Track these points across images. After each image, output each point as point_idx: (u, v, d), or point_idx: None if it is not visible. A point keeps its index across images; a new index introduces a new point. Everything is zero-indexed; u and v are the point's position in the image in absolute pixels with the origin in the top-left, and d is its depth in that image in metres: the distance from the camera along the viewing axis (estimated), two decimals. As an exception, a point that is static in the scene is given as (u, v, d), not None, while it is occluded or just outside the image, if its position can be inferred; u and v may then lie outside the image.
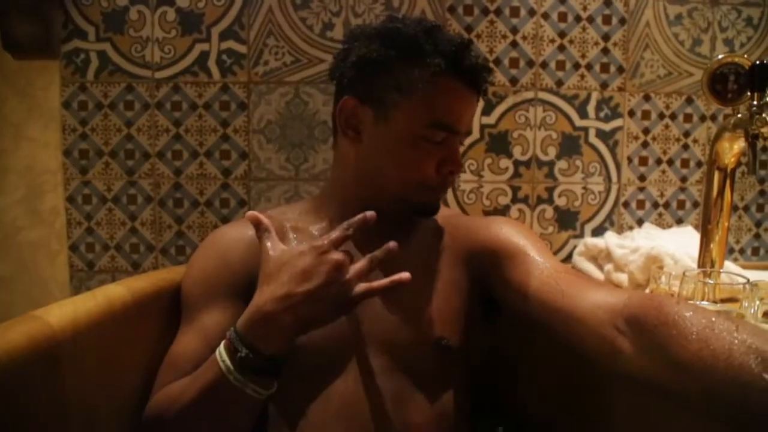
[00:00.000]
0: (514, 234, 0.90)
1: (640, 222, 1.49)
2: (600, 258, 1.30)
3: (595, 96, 1.45)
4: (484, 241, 0.92)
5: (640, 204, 1.49)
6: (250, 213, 0.79)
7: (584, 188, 1.46)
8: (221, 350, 0.73)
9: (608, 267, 1.25)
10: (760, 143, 0.94)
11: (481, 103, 1.40)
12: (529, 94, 1.43)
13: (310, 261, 0.72)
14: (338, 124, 0.91)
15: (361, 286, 0.73)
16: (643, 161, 1.48)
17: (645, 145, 1.47)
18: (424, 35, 0.85)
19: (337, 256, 0.73)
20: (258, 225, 0.79)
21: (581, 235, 1.47)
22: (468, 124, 0.91)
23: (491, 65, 1.41)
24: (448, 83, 0.85)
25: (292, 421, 0.83)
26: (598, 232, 1.46)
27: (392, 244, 0.76)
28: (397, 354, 0.84)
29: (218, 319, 0.85)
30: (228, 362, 0.71)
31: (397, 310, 0.86)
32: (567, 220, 1.47)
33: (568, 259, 1.45)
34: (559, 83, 1.43)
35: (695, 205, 1.50)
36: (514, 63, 1.42)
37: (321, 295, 0.71)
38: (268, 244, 0.77)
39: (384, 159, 0.89)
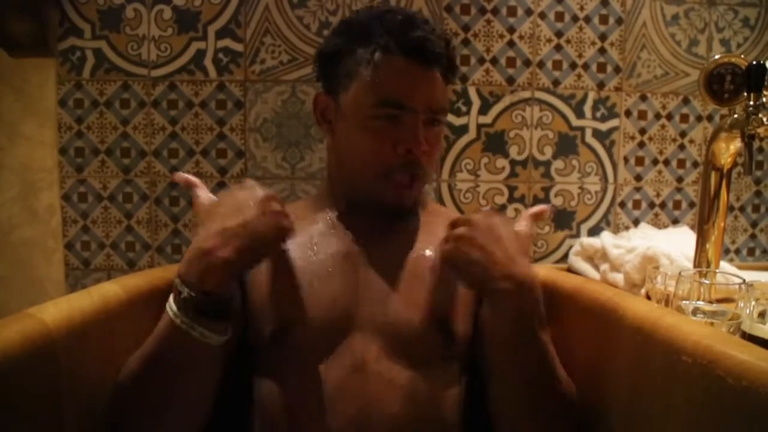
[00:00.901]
0: None
1: (636, 222, 1.49)
2: (596, 258, 1.31)
3: (591, 96, 1.45)
4: None
5: (637, 204, 1.49)
6: (177, 174, 0.84)
7: (580, 188, 1.47)
8: (170, 298, 0.73)
9: (604, 267, 1.25)
10: (756, 144, 0.94)
11: (477, 103, 1.41)
12: (526, 94, 1.43)
13: (242, 196, 0.75)
14: (315, 118, 0.96)
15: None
16: (640, 161, 1.48)
17: (641, 145, 1.48)
18: (375, 20, 0.87)
19: (266, 191, 0.76)
20: (186, 182, 0.83)
21: (577, 235, 1.47)
22: (426, 100, 0.86)
23: (494, 59, 1.41)
24: (392, 60, 0.85)
25: (286, 401, 0.83)
26: (594, 231, 1.47)
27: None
28: (397, 338, 0.84)
29: None
30: (173, 306, 0.71)
31: (398, 294, 0.86)
32: (563, 219, 1.47)
33: (564, 259, 1.45)
34: (556, 83, 1.44)
35: (691, 205, 1.51)
36: (510, 62, 1.42)
37: (255, 225, 0.72)
38: (200, 193, 0.82)
39: (345, 147, 0.90)
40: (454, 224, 0.78)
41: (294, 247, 0.88)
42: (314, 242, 0.91)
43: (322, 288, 0.86)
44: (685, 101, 1.48)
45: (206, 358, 0.75)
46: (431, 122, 0.88)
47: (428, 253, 0.91)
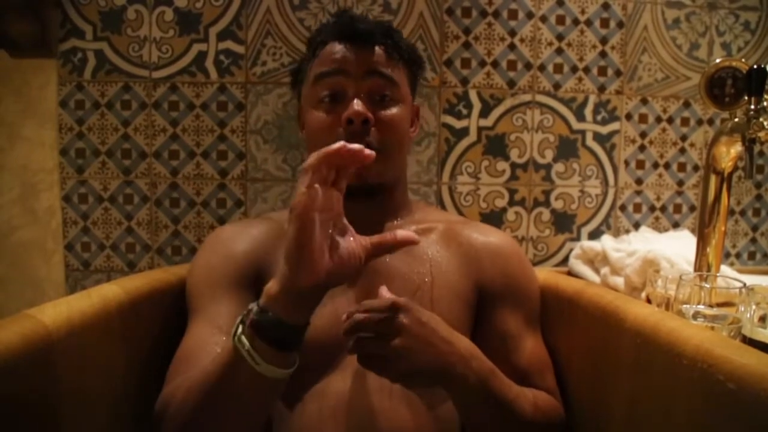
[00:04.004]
0: (517, 278, 0.96)
1: (636, 225, 1.49)
2: (596, 261, 1.30)
3: (592, 99, 1.45)
4: (492, 267, 0.95)
5: (637, 207, 1.49)
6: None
7: (581, 191, 1.46)
8: (237, 330, 0.67)
9: (605, 270, 1.25)
10: (757, 147, 0.94)
11: (478, 106, 1.41)
12: (527, 97, 1.43)
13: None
14: (299, 126, 1.04)
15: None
16: (640, 165, 1.48)
17: (642, 148, 1.48)
18: (322, 26, 0.99)
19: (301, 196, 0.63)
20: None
21: (578, 238, 1.47)
22: (361, 65, 0.90)
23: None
24: (326, 48, 0.93)
25: (292, 415, 0.84)
26: (594, 235, 1.46)
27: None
28: None
29: (226, 309, 0.85)
30: (245, 342, 0.66)
31: None
32: (564, 223, 1.47)
33: (564, 262, 1.45)
34: (557, 86, 1.44)
35: (692, 209, 1.50)
36: (511, 65, 1.42)
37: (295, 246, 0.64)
38: None
39: (308, 134, 0.96)
40: (377, 327, 0.71)
41: None
42: None
43: (325, 304, 0.86)
44: (686, 105, 1.48)
45: (273, 389, 0.71)
46: (380, 100, 0.92)
47: (423, 268, 0.92)
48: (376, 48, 0.92)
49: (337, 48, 0.92)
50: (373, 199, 0.94)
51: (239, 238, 0.93)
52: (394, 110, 0.92)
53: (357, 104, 0.87)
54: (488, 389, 0.77)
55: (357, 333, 0.72)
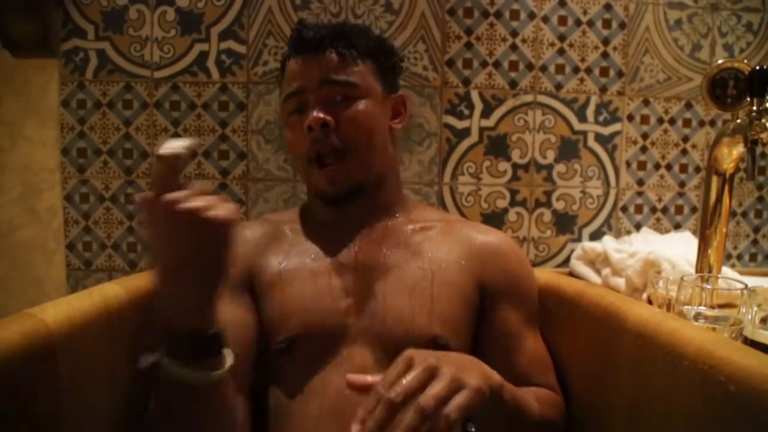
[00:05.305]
0: (517, 277, 0.97)
1: (638, 226, 1.49)
2: (597, 262, 1.30)
3: (594, 100, 1.45)
4: (493, 265, 0.95)
5: (638, 208, 1.49)
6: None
7: (582, 192, 1.46)
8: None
9: (606, 271, 1.24)
10: (759, 149, 0.94)
11: (480, 106, 1.41)
12: (528, 98, 1.43)
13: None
14: None
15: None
16: (642, 166, 1.48)
17: (644, 149, 1.47)
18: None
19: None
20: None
21: (579, 239, 1.46)
22: (318, 76, 0.92)
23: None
24: (288, 65, 0.97)
25: (292, 412, 0.84)
26: (596, 236, 1.46)
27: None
28: (393, 349, 0.84)
29: (221, 315, 0.85)
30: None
31: (394, 306, 0.87)
32: (565, 223, 1.47)
33: (565, 263, 1.45)
34: (559, 87, 1.43)
35: (693, 210, 1.50)
36: (513, 66, 1.42)
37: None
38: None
39: (288, 148, 1.01)
40: (416, 381, 0.63)
41: (292, 257, 0.91)
42: (311, 252, 0.94)
43: (322, 300, 0.88)
44: (688, 106, 1.47)
45: (210, 390, 0.70)
46: (341, 101, 0.92)
47: (422, 263, 0.91)
48: (328, 53, 0.93)
49: (294, 65, 0.95)
50: (361, 199, 0.95)
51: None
52: (356, 107, 0.93)
53: (314, 112, 0.90)
54: (511, 394, 0.75)
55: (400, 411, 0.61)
